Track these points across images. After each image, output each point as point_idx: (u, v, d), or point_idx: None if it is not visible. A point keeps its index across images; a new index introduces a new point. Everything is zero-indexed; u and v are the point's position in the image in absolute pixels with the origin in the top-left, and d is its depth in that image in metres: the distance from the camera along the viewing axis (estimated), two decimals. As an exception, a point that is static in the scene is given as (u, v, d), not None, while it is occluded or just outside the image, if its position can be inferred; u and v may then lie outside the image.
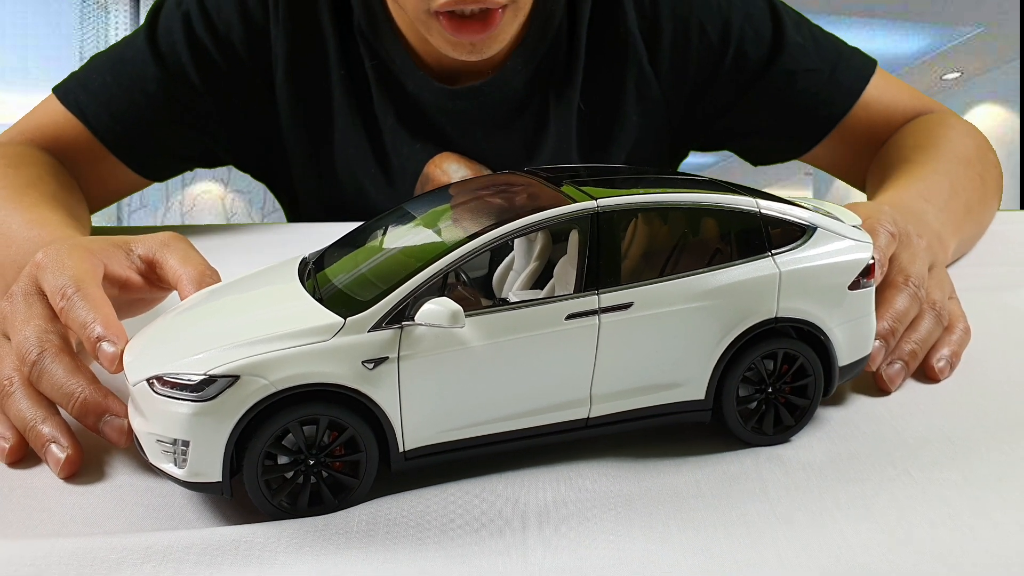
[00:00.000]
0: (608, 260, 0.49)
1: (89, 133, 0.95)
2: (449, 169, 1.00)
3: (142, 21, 1.00)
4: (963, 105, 6.02)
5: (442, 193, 0.56)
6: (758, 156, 1.08)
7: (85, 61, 1.02)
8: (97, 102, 0.95)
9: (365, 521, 0.45)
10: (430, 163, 1.00)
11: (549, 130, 0.99)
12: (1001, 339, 0.65)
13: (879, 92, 0.99)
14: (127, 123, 0.96)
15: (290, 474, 0.45)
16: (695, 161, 1.28)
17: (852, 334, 0.53)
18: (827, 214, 0.54)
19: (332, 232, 0.60)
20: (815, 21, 1.04)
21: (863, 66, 0.99)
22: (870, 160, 0.97)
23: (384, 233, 0.54)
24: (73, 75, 0.98)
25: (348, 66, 0.98)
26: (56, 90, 0.97)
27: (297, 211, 1.10)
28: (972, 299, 0.66)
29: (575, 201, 0.49)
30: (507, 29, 0.88)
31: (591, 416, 0.49)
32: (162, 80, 0.96)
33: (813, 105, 0.98)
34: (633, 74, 0.98)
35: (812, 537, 0.43)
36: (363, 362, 0.45)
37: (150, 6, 1.02)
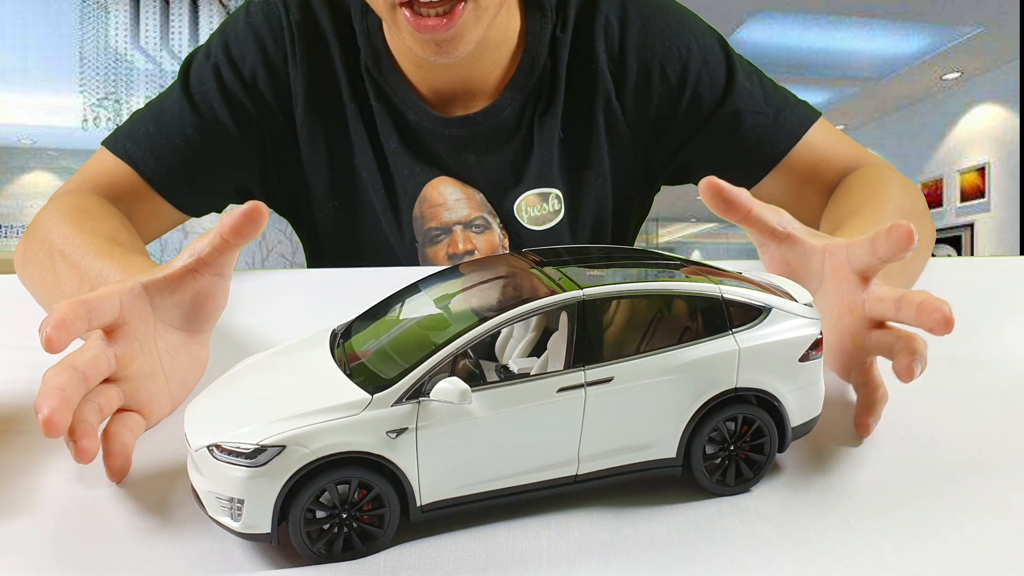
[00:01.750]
0: (592, 340, 0.57)
1: (138, 177, 1.07)
2: (445, 191, 1.11)
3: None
4: (963, 105, 6.08)
5: (451, 274, 0.65)
6: None
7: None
8: (143, 149, 1.07)
9: (389, 565, 0.54)
10: (428, 185, 1.11)
11: (533, 155, 1.10)
12: (945, 394, 0.74)
13: (821, 138, 1.10)
14: (171, 166, 1.07)
15: (327, 526, 0.54)
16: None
17: (803, 399, 0.61)
18: (784, 293, 0.63)
19: (347, 278, 0.69)
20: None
21: (807, 113, 1.11)
22: (813, 198, 1.09)
23: (401, 308, 0.63)
24: (119, 129, 1.09)
25: (357, 98, 1.08)
26: (106, 143, 1.08)
27: (316, 243, 1.19)
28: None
29: (565, 290, 0.57)
30: (471, 29, 0.96)
31: (579, 473, 0.58)
32: (199, 126, 1.07)
33: (758, 143, 1.09)
34: (602, 107, 1.10)
35: (761, 579, 0.52)
36: (387, 432, 0.54)
37: (182, 60, 1.12)
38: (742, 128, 1.09)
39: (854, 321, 0.69)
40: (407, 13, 0.94)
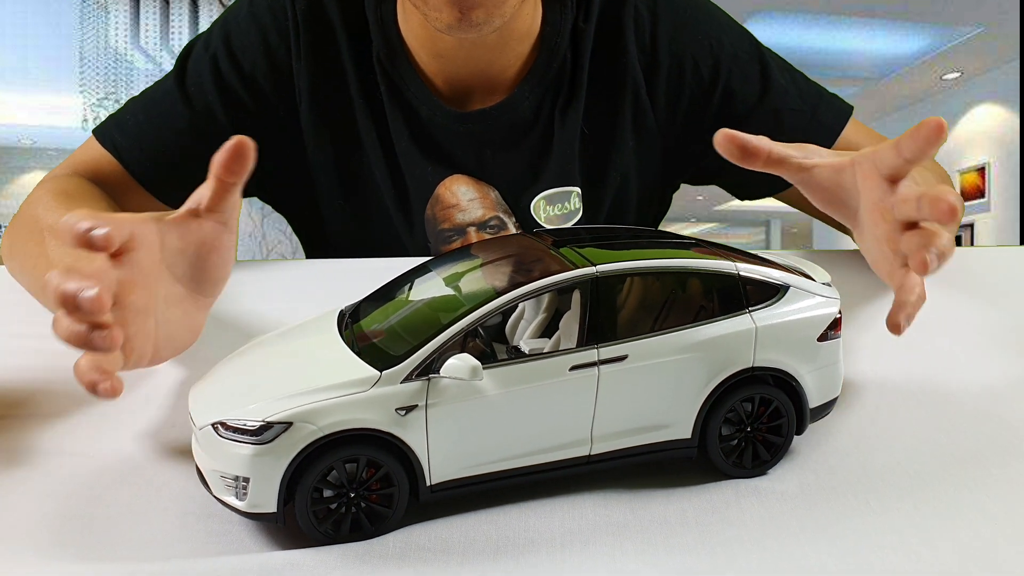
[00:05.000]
0: (606, 318, 0.56)
1: (123, 169, 1.03)
2: (458, 191, 1.08)
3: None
4: (963, 105, 6.07)
5: (462, 254, 0.63)
6: (744, 192, 1.16)
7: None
8: (131, 140, 1.03)
9: (398, 546, 0.52)
10: (440, 185, 1.07)
11: (553, 152, 1.06)
12: (967, 378, 0.72)
13: (854, 134, 1.07)
14: (158, 160, 1.04)
15: (334, 505, 0.52)
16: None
17: (821, 380, 0.60)
18: (801, 272, 0.62)
19: (344, 268, 0.68)
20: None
21: (841, 108, 1.08)
22: None
23: (410, 288, 0.62)
24: (111, 117, 1.06)
25: (366, 94, 1.05)
26: (95, 131, 1.05)
27: (319, 242, 1.17)
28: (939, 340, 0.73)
29: (577, 266, 0.56)
30: None
31: (592, 453, 0.56)
32: (191, 119, 1.03)
33: (797, 141, 1.06)
34: (631, 103, 1.06)
35: (780, 561, 0.51)
36: (396, 409, 0.53)
37: (181, 49, 1.10)
38: (782, 127, 1.05)
39: (887, 227, 0.66)
40: None
